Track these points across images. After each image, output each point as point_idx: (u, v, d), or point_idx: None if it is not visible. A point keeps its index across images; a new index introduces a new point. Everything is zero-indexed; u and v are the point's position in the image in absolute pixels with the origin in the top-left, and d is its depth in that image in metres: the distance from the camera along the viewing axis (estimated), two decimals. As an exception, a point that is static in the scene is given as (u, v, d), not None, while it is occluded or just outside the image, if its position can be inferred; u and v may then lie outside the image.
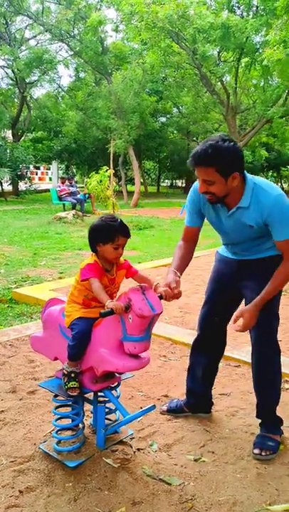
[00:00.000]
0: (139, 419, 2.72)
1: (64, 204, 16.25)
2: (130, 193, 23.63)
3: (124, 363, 2.10)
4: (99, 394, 2.35)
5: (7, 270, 6.87)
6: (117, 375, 2.34)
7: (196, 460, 2.38)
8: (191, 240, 2.61)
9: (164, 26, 16.94)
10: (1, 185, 21.74)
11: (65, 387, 2.21)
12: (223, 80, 21.11)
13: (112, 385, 2.41)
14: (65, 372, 2.21)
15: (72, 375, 2.21)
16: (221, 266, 2.68)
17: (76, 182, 21.95)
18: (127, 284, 2.33)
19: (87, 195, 16.32)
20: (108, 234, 2.17)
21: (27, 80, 25.39)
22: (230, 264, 2.61)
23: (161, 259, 7.82)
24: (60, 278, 6.40)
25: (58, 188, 16.46)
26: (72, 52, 24.57)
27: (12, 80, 26.50)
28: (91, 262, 2.21)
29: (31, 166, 27.72)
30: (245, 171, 2.28)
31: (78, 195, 16.28)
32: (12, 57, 22.67)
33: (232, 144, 2.17)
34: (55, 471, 2.22)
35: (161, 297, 2.29)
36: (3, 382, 3.09)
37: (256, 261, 2.49)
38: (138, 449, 2.43)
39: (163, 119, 32.19)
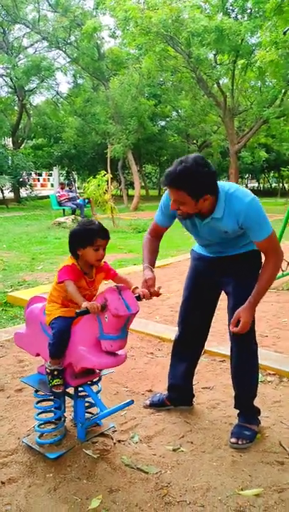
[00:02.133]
0: (122, 413, 2.82)
1: (64, 209, 16.37)
2: (131, 197, 23.77)
3: (101, 360, 2.19)
4: (79, 389, 2.44)
5: (4, 275, 6.98)
6: (97, 370, 2.43)
7: (174, 450, 2.47)
8: (158, 236, 2.74)
9: (158, 31, 17.11)
10: (2, 193, 21.91)
11: (50, 384, 2.30)
12: (220, 82, 21.24)
13: (93, 380, 2.50)
14: (48, 371, 2.30)
15: (56, 372, 2.29)
16: (198, 263, 2.76)
17: (78, 187, 22.14)
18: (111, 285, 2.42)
19: (86, 200, 16.43)
20: (87, 237, 2.24)
21: (26, 88, 25.64)
22: (207, 261, 2.69)
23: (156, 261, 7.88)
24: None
25: (58, 194, 16.59)
26: (70, 59, 24.78)
27: (11, 88, 26.75)
28: (68, 264, 2.29)
29: (33, 173, 27.94)
30: (217, 183, 2.29)
31: (78, 200, 16.40)
32: (10, 65, 22.91)
33: (206, 169, 2.17)
34: (36, 463, 2.31)
35: (138, 298, 2.38)
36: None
37: (233, 257, 2.56)
38: (119, 441, 2.52)
39: (162, 123, 32.36)
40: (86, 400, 2.50)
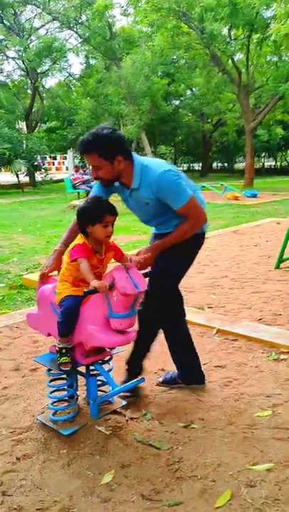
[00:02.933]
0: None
1: (78, 192, 16.39)
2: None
3: (111, 338, 2.21)
4: (91, 367, 2.47)
5: (20, 258, 7.05)
6: (107, 349, 2.45)
7: (186, 427, 2.49)
8: None
9: (170, 7, 16.77)
10: (18, 177, 22.02)
11: (58, 362, 2.33)
12: (235, 58, 20.79)
13: (104, 359, 2.53)
14: (57, 349, 2.33)
15: (64, 350, 2.32)
16: (151, 240, 2.80)
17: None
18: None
19: (101, 183, 16.38)
20: (96, 214, 2.25)
21: (38, 70, 25.50)
22: (153, 237, 2.76)
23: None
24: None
25: (72, 177, 16.60)
26: (81, 39, 24.50)
27: (23, 70, 26.65)
28: (79, 243, 2.30)
29: (48, 157, 27.97)
30: (134, 155, 2.45)
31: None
32: (22, 47, 22.78)
33: (110, 130, 2.34)
34: (51, 439, 2.36)
35: (146, 275, 2.39)
36: (7, 361, 3.25)
37: (167, 234, 2.60)
38: (131, 418, 2.55)
39: (176, 102, 31.93)
40: (98, 378, 2.53)
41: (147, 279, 2.35)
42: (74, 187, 16.43)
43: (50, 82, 34.56)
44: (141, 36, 23.36)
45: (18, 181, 22.04)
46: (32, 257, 7.13)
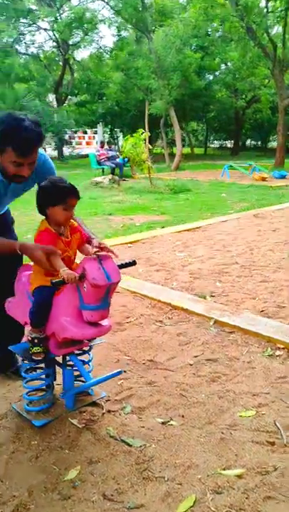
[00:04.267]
0: (119, 382, 2.79)
1: (103, 169, 16.27)
2: (174, 156, 23.26)
3: (83, 330, 2.13)
4: (67, 358, 2.41)
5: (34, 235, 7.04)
6: (85, 340, 2.38)
7: (164, 423, 2.42)
8: None
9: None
10: (45, 151, 22.01)
11: (30, 352, 2.28)
12: (272, 31, 19.95)
13: (84, 350, 2.47)
14: (30, 338, 2.28)
15: (36, 340, 2.27)
16: None
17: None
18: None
19: (126, 159, 16.22)
20: (59, 195, 2.16)
21: (70, 42, 25.17)
22: None
23: (186, 224, 7.72)
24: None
25: (97, 153, 16.46)
26: (113, 11, 23.97)
27: (55, 42, 26.37)
28: (42, 229, 2.22)
29: (78, 131, 27.83)
30: None
31: (117, 159, 16.22)
32: (52, 18, 22.48)
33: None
34: (23, 429, 2.33)
35: (129, 264, 2.31)
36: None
37: None
38: (109, 411, 2.50)
39: (210, 77, 31.05)
40: (76, 369, 2.48)
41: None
42: (99, 163, 16.32)
43: (81, 54, 34.02)
44: (175, 7, 22.65)
45: (46, 155, 22.06)
46: (46, 235, 7.10)
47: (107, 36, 67.94)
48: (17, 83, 25.15)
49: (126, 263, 2.30)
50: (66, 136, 24.50)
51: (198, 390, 2.73)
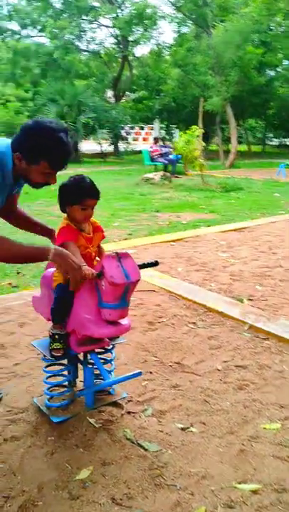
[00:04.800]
0: (143, 383, 2.76)
1: (156, 165, 16.25)
2: (229, 153, 22.85)
3: (100, 329, 2.12)
4: (89, 356, 2.40)
5: (80, 230, 7.12)
6: (105, 339, 2.36)
7: (183, 429, 2.36)
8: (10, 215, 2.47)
9: None
10: (101, 146, 22.30)
11: (50, 347, 2.29)
12: None
13: (106, 348, 2.45)
14: (50, 334, 2.29)
15: (56, 336, 2.27)
16: None
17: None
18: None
19: (180, 156, 16.11)
20: (76, 195, 2.17)
21: (130, 39, 25.27)
22: None
23: (233, 224, 7.55)
24: (126, 239, 6.51)
25: (150, 149, 16.45)
26: (174, 7, 23.83)
27: (115, 38, 26.59)
28: (64, 226, 2.22)
29: (135, 127, 28.00)
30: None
31: (170, 156, 16.14)
32: (113, 14, 22.67)
33: None
34: (42, 424, 2.35)
35: (153, 264, 2.28)
36: (27, 336, 3.29)
37: None
38: (128, 412, 2.47)
39: (271, 73, 30.20)
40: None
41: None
42: (152, 159, 16.30)
43: (141, 50, 34.07)
44: (236, 2, 22.19)
45: (101, 150, 22.34)
46: (92, 230, 7.16)
47: (166, 32, 67.85)
48: (77, 79, 25.63)
49: (147, 263, 2.26)
50: (122, 132, 24.66)
51: (224, 397, 2.65)
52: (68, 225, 2.22)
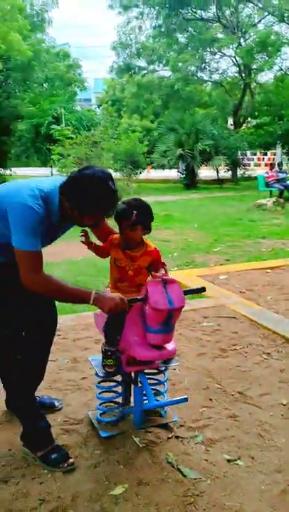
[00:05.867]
0: (201, 409, 2.73)
1: (271, 191, 15.85)
2: None
3: (145, 352, 2.18)
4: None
5: (180, 254, 7.24)
6: (157, 362, 2.40)
7: (229, 461, 2.30)
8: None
9: None
10: (218, 173, 22.40)
11: (102, 363, 2.40)
12: None
13: (159, 369, 2.49)
14: (103, 350, 2.40)
15: (109, 353, 2.37)
16: None
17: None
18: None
19: (297, 182, 15.55)
20: (115, 217, 2.26)
21: (254, 66, 25.28)
22: None
23: None
24: (222, 264, 6.46)
25: (266, 175, 16.12)
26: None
27: (237, 67, 26.78)
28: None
29: (258, 153, 27.66)
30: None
31: (287, 182, 15.64)
32: (235, 44, 22.92)
33: None
34: (92, 437, 2.45)
35: (199, 290, 2.29)
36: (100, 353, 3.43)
37: None
38: (177, 437, 2.46)
39: None
40: (154, 388, 2.52)
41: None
42: (267, 185, 15.95)
43: (264, 77, 33.76)
44: None
45: (218, 177, 22.41)
46: (191, 254, 7.25)
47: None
48: (198, 108, 26.25)
49: (193, 289, 2.28)
50: (241, 158, 24.51)
51: (281, 433, 2.51)
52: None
